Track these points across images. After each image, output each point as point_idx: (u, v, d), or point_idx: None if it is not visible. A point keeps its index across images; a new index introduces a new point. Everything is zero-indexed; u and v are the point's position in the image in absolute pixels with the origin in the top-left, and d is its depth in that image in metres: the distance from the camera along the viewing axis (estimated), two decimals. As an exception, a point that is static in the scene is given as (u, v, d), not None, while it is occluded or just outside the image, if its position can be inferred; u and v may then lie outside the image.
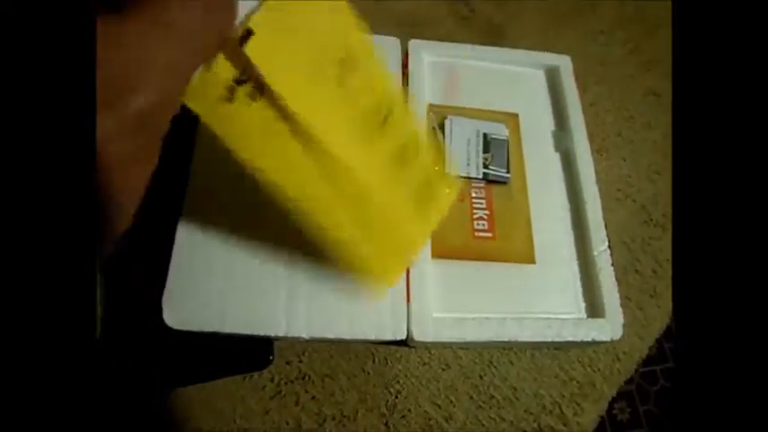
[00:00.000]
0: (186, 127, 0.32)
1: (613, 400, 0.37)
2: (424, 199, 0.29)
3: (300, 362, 0.32)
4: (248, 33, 0.19)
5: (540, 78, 0.41)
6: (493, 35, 0.47)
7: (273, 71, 0.21)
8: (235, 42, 0.19)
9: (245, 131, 0.22)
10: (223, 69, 0.20)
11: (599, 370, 0.36)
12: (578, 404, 0.34)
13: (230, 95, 0.21)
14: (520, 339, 0.31)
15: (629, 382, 0.39)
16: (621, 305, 0.33)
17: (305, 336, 0.29)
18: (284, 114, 0.22)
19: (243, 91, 0.21)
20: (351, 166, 0.25)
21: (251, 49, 0.20)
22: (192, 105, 0.20)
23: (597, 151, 0.42)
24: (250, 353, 0.32)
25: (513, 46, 0.42)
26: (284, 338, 0.30)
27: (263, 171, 0.23)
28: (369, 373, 0.33)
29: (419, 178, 0.28)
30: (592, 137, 0.38)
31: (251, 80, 0.21)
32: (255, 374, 0.32)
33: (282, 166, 0.24)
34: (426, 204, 0.29)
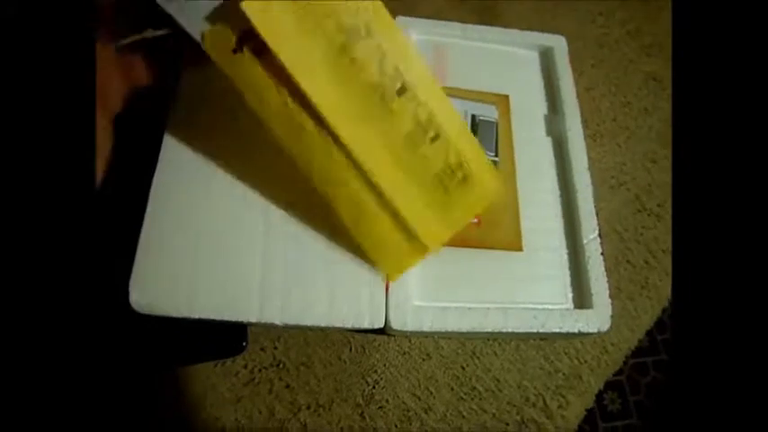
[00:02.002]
0: (155, 114, 0.31)
1: (603, 391, 0.37)
2: (447, 188, 0.27)
3: (275, 348, 0.31)
4: None
5: (533, 59, 0.39)
6: (487, 14, 0.45)
7: (271, 31, 0.21)
8: (236, 2, 0.20)
9: (252, 85, 0.23)
10: (233, 23, 0.21)
11: (586, 362, 0.35)
12: (563, 397, 0.33)
13: (238, 49, 0.22)
14: (504, 330, 0.30)
15: (619, 372, 0.39)
16: (611, 296, 0.31)
17: (278, 322, 0.28)
18: (285, 78, 0.22)
19: (248, 47, 0.22)
20: (350, 144, 0.24)
21: (249, 6, 0.20)
22: (209, 53, 0.22)
23: (591, 137, 0.41)
24: (223, 338, 0.31)
25: (508, 26, 0.40)
26: (257, 324, 0.29)
27: (275, 132, 0.24)
28: (345, 362, 0.31)
29: (441, 163, 0.26)
30: (586, 122, 0.37)
31: (254, 38, 0.21)
32: (228, 361, 0.31)
33: (290, 129, 0.24)
34: (450, 195, 0.27)
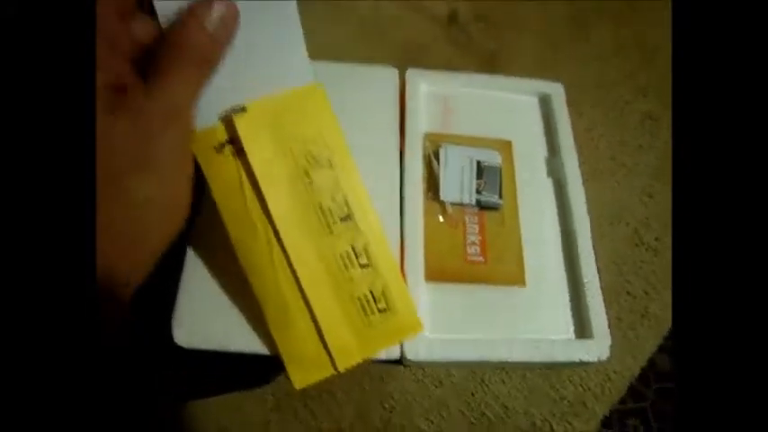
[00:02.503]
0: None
1: (627, 417, 0.38)
2: (366, 313, 0.29)
3: (301, 378, 0.34)
4: (243, 109, 0.26)
5: (533, 105, 0.42)
6: (489, 62, 0.49)
7: (251, 144, 0.26)
8: (230, 114, 0.26)
9: (222, 180, 0.27)
10: (221, 129, 0.26)
11: (590, 389, 0.37)
12: (569, 423, 0.36)
13: (221, 148, 0.27)
14: (509, 360, 0.32)
15: (643, 398, 0.40)
16: (612, 326, 0.34)
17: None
18: (252, 182, 0.27)
19: (229, 149, 0.27)
20: (289, 249, 0.28)
21: (239, 120, 0.26)
22: (193, 147, 0.26)
23: (590, 174, 0.43)
24: (253, 369, 0.33)
25: (509, 73, 0.43)
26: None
27: (225, 221, 0.28)
28: (365, 390, 0.34)
29: (365, 289, 0.29)
30: (587, 161, 0.39)
31: (236, 143, 0.26)
32: (257, 389, 0.34)
33: (240, 223, 0.28)
34: (368, 320, 0.29)
